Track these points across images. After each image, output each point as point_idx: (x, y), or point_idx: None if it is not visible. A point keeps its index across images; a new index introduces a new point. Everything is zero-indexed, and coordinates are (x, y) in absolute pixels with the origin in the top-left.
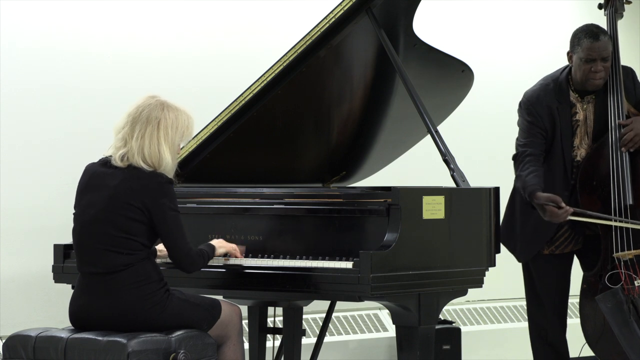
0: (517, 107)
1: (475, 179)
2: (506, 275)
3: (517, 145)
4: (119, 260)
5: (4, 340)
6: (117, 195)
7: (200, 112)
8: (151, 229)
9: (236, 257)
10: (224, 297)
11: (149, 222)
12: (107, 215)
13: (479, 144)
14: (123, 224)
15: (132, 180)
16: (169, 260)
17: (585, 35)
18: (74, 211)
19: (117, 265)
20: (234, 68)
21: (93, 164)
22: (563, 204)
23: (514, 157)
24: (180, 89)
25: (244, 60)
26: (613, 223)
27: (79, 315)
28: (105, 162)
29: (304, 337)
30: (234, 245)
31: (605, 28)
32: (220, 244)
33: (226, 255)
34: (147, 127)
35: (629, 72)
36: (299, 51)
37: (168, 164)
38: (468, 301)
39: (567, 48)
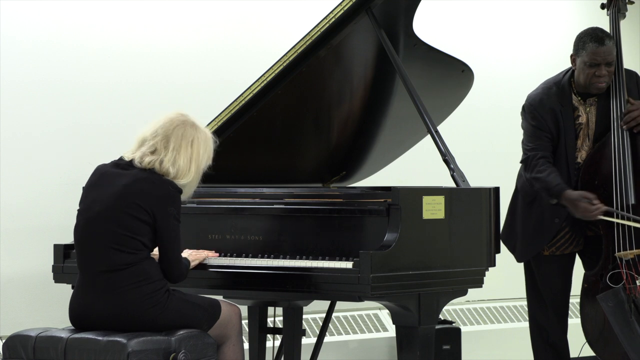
0: (517, 106)
1: (475, 179)
2: (506, 275)
3: (526, 150)
4: (120, 259)
5: (4, 340)
6: (126, 194)
7: (200, 111)
8: (154, 231)
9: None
10: (224, 297)
11: (152, 224)
12: (113, 213)
13: (479, 144)
14: (127, 222)
15: (144, 182)
16: None
17: (591, 40)
18: (78, 208)
19: (118, 264)
20: (234, 68)
21: (105, 164)
22: (596, 201)
23: (524, 161)
24: (180, 87)
25: (244, 60)
26: None
27: (79, 314)
28: (118, 164)
29: (304, 337)
30: (203, 255)
31: (608, 28)
32: (192, 259)
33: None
34: (182, 141)
35: (632, 75)
36: (299, 51)
37: (191, 179)
38: (468, 301)
39: (567, 47)
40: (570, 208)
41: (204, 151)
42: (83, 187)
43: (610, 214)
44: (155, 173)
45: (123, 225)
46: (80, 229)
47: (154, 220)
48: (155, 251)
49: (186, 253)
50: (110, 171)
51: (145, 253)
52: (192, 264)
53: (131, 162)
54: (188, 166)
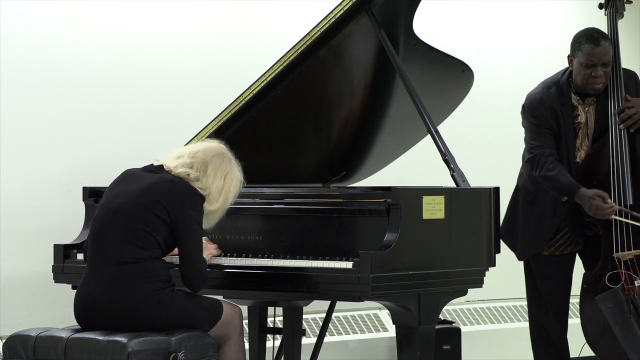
0: (518, 106)
1: (475, 179)
2: (506, 275)
3: (531, 148)
4: (132, 252)
5: (4, 340)
6: (149, 191)
7: (201, 109)
8: (171, 232)
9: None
10: (224, 297)
11: (171, 225)
12: (134, 207)
13: (479, 144)
14: (146, 217)
15: (170, 184)
16: (174, 261)
17: (586, 40)
18: (101, 201)
19: (129, 257)
20: (234, 67)
21: (135, 168)
22: (609, 200)
23: (531, 160)
24: (182, 87)
25: (244, 59)
26: None
27: (84, 308)
28: (148, 168)
29: (304, 337)
30: (207, 253)
31: (606, 28)
32: (205, 254)
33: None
34: (217, 171)
35: (631, 75)
36: (299, 51)
37: (217, 208)
38: (468, 301)
39: (565, 46)
40: (584, 206)
41: (234, 187)
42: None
43: (623, 214)
44: (183, 180)
45: (141, 219)
46: (98, 219)
47: (174, 223)
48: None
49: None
50: (139, 173)
51: (158, 252)
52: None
53: (161, 166)
54: (218, 196)
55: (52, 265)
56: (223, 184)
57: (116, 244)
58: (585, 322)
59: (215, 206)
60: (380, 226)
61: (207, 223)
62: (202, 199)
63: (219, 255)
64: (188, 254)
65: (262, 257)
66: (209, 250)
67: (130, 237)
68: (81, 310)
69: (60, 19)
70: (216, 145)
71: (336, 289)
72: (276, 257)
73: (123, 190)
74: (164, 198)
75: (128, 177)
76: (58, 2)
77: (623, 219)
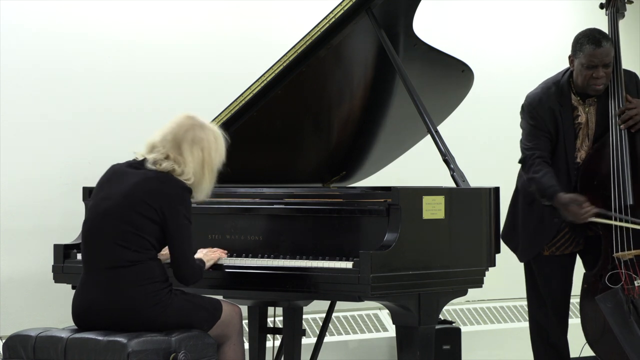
0: (518, 107)
1: (475, 179)
2: (506, 275)
3: (523, 149)
4: (125, 256)
5: (4, 340)
6: (136, 191)
7: (202, 107)
8: (162, 231)
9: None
10: (224, 297)
11: (161, 224)
12: (121, 210)
13: (480, 144)
14: (135, 220)
15: (154, 181)
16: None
17: (588, 41)
18: (90, 203)
19: (123, 261)
20: (235, 67)
21: (119, 163)
22: (586, 204)
23: (522, 161)
24: (180, 84)
25: (245, 60)
26: (637, 227)
27: (82, 311)
28: (131, 164)
29: (304, 337)
30: (217, 254)
31: (607, 28)
32: (207, 258)
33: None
34: (192, 147)
35: (632, 76)
36: (299, 51)
37: (206, 183)
38: (468, 301)
39: (565, 45)
40: (562, 211)
41: (215, 152)
42: (96, 183)
43: (602, 216)
44: (167, 173)
45: (130, 222)
46: (87, 224)
47: (163, 220)
48: (165, 251)
49: (201, 253)
50: (123, 169)
51: (152, 253)
52: (207, 264)
53: (143, 162)
54: (201, 170)
55: (52, 265)
56: (202, 156)
57: (108, 249)
58: (585, 322)
59: (205, 182)
60: (380, 226)
61: (203, 194)
62: (189, 191)
63: (227, 256)
64: (179, 251)
65: (262, 257)
66: (217, 254)
67: (122, 241)
68: (80, 312)
69: (60, 18)
70: (181, 118)
71: (336, 289)
72: (276, 257)
73: (109, 192)
74: (150, 198)
75: (113, 175)
76: (58, 1)
77: (602, 221)
